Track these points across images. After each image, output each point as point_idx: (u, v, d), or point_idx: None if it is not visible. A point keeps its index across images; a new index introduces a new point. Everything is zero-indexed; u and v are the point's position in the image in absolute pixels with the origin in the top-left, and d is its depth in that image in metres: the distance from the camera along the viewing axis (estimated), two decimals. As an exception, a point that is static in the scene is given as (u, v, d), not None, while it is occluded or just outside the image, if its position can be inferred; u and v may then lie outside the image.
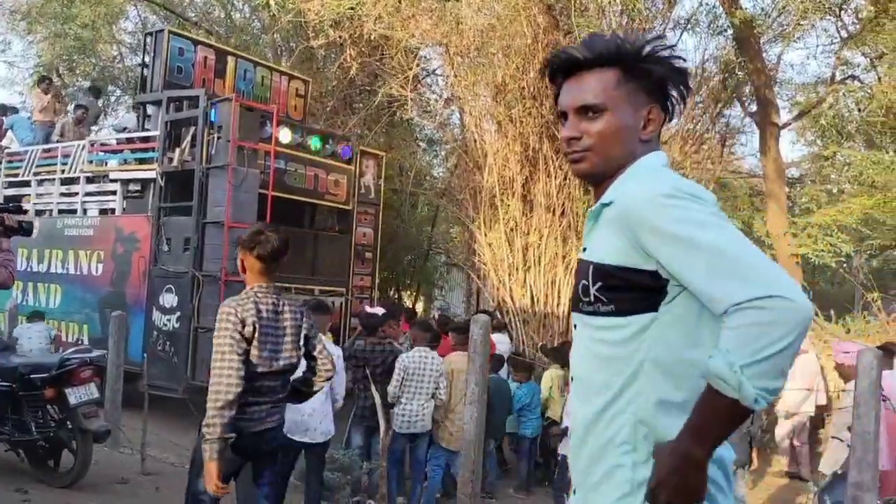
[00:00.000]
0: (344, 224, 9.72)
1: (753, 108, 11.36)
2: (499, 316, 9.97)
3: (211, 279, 7.75)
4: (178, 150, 8.25)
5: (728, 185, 15.94)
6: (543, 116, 10.02)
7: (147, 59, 9.40)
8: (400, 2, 9.48)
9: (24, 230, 4.79)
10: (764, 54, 10.75)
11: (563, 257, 10.16)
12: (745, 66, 10.10)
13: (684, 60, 1.61)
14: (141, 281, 8.49)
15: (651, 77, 1.55)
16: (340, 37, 10.44)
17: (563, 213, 10.16)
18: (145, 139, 9.10)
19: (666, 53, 1.56)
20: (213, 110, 8.08)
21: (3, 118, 12.21)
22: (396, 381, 5.63)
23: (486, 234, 10.59)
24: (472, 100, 10.60)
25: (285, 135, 8.73)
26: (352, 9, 9.54)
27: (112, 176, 9.27)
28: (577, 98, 1.57)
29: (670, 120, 1.65)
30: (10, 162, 10.88)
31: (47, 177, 10.09)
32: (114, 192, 9.23)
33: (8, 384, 5.40)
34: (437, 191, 14.46)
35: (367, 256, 9.81)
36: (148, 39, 9.61)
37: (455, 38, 9.85)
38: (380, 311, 6.55)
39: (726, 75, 10.44)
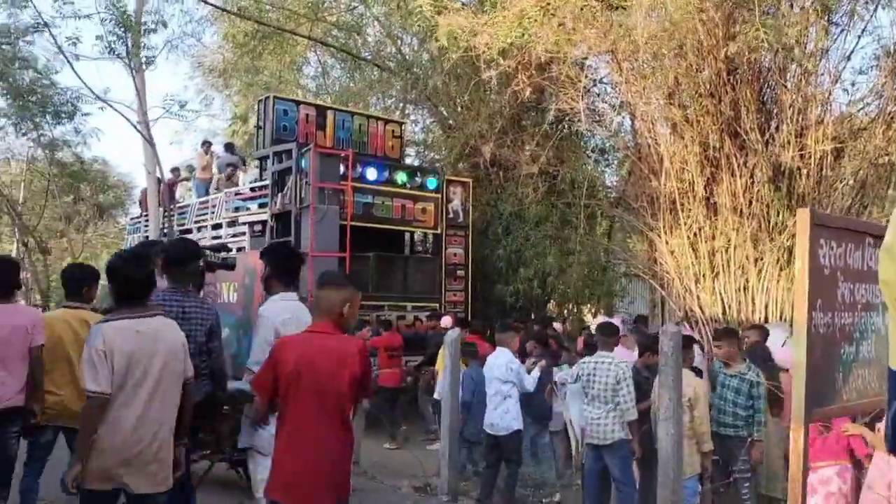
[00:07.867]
0: (435, 247, 11.01)
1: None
2: (687, 327, 9.51)
3: (303, 301, 8.74)
4: (279, 196, 9.66)
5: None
6: (723, 113, 9.48)
7: (259, 121, 10.95)
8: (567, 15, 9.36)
9: (228, 265, 5.40)
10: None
11: (756, 261, 9.51)
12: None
13: None
14: (258, 306, 9.73)
15: None
16: (510, 66, 10.58)
17: (751, 214, 9.53)
18: (262, 188, 10.68)
19: None
20: (302, 159, 9.28)
21: (173, 177, 14.37)
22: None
23: (667, 242, 10.18)
24: (644, 104, 10.27)
25: (371, 173, 9.99)
26: (520, 36, 9.62)
27: (241, 220, 10.93)
28: None
29: None
30: (180, 214, 13.06)
31: (203, 224, 11.99)
32: (244, 233, 10.89)
33: (226, 409, 5.91)
34: (612, 201, 14.10)
35: (459, 274, 10.99)
36: (258, 105, 11.14)
37: (623, 45, 9.58)
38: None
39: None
